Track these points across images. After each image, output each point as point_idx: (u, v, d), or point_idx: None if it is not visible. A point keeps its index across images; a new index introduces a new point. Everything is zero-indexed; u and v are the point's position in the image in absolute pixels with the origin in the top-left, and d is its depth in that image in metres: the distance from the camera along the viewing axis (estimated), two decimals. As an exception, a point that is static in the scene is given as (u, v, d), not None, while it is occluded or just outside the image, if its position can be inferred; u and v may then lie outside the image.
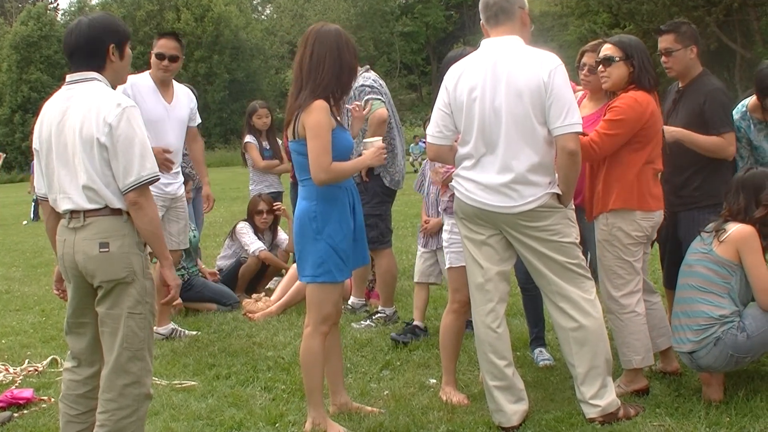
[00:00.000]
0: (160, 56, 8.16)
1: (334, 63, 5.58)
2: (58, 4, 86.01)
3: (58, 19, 78.55)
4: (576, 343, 5.56)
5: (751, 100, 6.70)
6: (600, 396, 5.56)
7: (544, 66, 5.36)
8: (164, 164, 7.75)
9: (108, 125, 4.63)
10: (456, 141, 5.72)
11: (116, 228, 4.76)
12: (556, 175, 5.52)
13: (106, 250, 4.73)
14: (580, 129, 5.40)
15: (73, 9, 77.94)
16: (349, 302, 9.29)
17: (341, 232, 5.63)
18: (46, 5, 78.85)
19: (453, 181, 5.77)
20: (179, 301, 9.65)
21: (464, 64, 5.63)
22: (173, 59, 8.22)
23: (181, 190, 8.38)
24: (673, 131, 6.37)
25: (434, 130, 5.73)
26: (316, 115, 5.46)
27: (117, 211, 4.76)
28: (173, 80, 8.47)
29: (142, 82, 8.20)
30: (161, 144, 7.93)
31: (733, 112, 6.74)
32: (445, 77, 5.73)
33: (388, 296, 8.85)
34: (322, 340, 5.73)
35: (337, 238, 5.60)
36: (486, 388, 5.73)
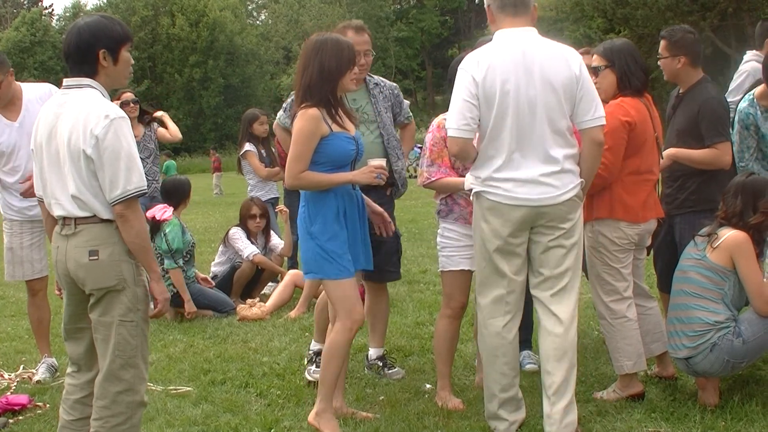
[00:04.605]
0: None
1: (314, 68, 5.71)
2: (53, 10, 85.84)
3: (53, 24, 78.48)
4: (559, 351, 5.43)
5: (759, 88, 6.69)
6: (570, 411, 5.42)
7: (573, 59, 5.37)
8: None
9: (95, 137, 4.57)
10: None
11: (106, 236, 4.72)
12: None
13: (96, 258, 4.69)
14: (605, 121, 5.45)
15: (68, 14, 77.91)
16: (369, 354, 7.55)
17: (327, 233, 5.70)
18: (40, 11, 78.74)
19: (480, 188, 5.46)
20: (194, 310, 9.68)
21: (489, 55, 5.39)
22: None
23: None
24: (669, 155, 6.45)
25: (460, 123, 5.35)
26: (299, 124, 5.67)
27: (107, 220, 4.72)
28: (22, 85, 7.57)
29: None
30: (19, 173, 7.35)
31: (741, 100, 6.77)
32: (467, 67, 5.40)
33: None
34: (348, 337, 5.76)
35: (322, 238, 5.70)
36: (489, 396, 5.64)
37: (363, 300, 7.64)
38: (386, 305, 7.27)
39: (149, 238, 4.90)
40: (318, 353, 6.95)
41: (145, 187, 4.75)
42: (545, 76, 5.27)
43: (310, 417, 5.79)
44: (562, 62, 5.32)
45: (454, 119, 5.38)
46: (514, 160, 5.33)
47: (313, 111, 5.64)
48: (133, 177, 4.64)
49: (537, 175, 5.30)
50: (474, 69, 5.34)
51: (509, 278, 5.48)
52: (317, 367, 6.79)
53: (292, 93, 7.07)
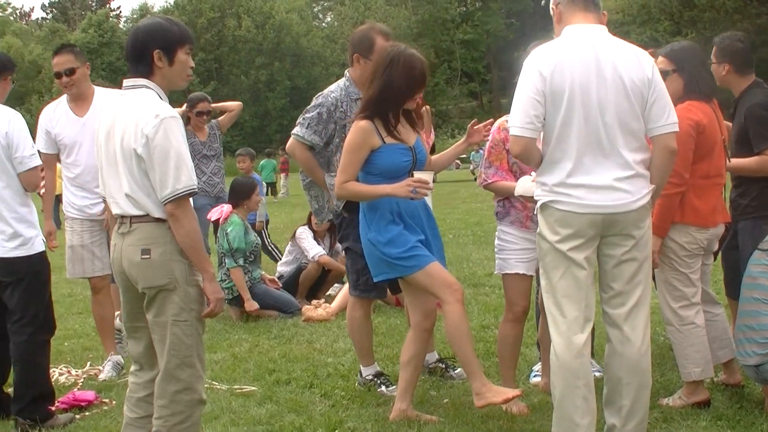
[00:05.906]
0: (57, 75, 7.74)
1: (380, 84, 5.77)
2: (120, 12, 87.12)
3: (121, 26, 79.51)
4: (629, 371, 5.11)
5: None
6: (641, 429, 5.15)
7: (646, 61, 5.04)
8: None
9: (145, 136, 4.60)
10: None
11: (159, 235, 4.74)
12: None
13: (148, 256, 4.72)
14: (678, 128, 5.10)
15: (135, 16, 78.89)
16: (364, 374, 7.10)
17: (383, 239, 5.82)
18: (106, 12, 79.81)
19: (549, 197, 5.04)
20: (256, 307, 9.77)
21: (559, 50, 5.01)
22: (70, 73, 7.64)
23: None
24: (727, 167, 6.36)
25: (523, 121, 4.94)
26: (349, 135, 5.86)
27: (160, 219, 4.75)
28: (96, 87, 7.95)
29: (60, 107, 7.83)
30: (79, 167, 7.68)
31: None
32: (535, 61, 4.99)
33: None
34: (460, 309, 5.75)
35: (379, 245, 5.83)
36: (570, 427, 5.08)
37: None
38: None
39: (201, 237, 4.89)
40: (377, 375, 6.92)
41: (195, 187, 4.73)
42: (617, 77, 4.90)
43: (476, 403, 5.73)
44: (635, 63, 4.99)
45: (518, 117, 4.97)
46: (584, 164, 4.94)
47: (364, 123, 5.73)
48: (182, 176, 4.64)
49: (611, 180, 4.93)
50: (542, 64, 4.96)
51: (586, 290, 5.04)
52: (387, 387, 6.76)
53: (308, 108, 6.78)
